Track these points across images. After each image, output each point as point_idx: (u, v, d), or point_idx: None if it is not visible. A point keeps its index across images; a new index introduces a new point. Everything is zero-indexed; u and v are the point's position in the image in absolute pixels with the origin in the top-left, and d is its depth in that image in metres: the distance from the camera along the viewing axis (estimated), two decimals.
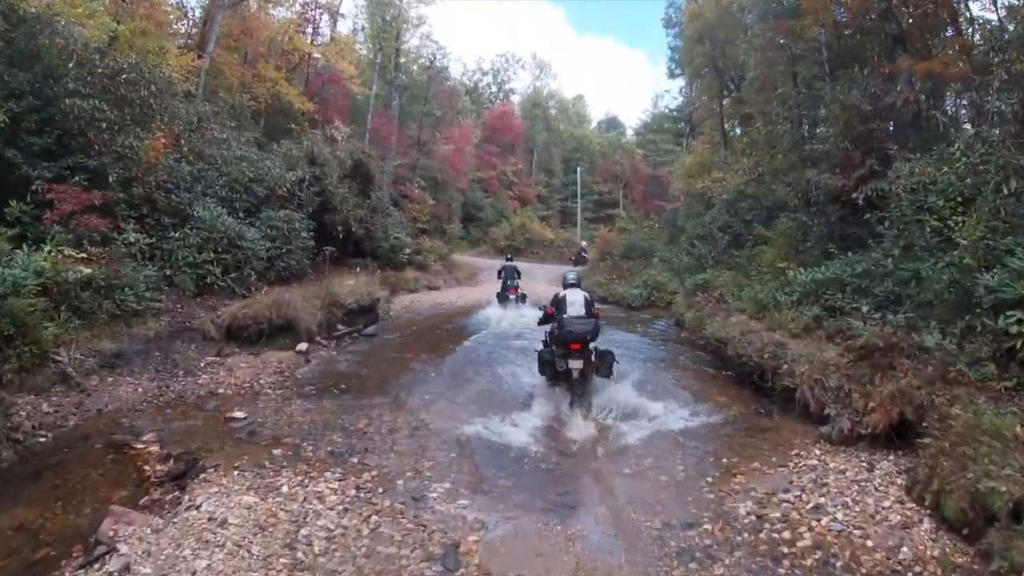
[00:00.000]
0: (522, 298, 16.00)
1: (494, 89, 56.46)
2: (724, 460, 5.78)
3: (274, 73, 21.51)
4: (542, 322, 7.98)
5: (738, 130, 23.83)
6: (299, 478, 4.96)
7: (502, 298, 16.08)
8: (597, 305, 7.66)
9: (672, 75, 41.65)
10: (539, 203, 49.09)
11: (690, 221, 21.14)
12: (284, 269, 13.40)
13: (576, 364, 6.72)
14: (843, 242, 10.57)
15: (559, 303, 7.27)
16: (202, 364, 8.10)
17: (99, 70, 10.87)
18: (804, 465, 5.51)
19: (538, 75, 56.98)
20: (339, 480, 4.99)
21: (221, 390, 7.35)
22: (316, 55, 24.62)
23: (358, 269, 19.17)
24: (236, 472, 5.01)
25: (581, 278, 8.15)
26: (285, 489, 4.73)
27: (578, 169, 51.20)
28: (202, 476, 4.94)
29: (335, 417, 6.62)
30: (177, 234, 11.18)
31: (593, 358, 6.89)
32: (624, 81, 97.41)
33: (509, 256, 19.82)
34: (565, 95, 60.75)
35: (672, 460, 5.78)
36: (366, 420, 6.55)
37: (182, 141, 13.86)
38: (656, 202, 47.39)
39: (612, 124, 67.16)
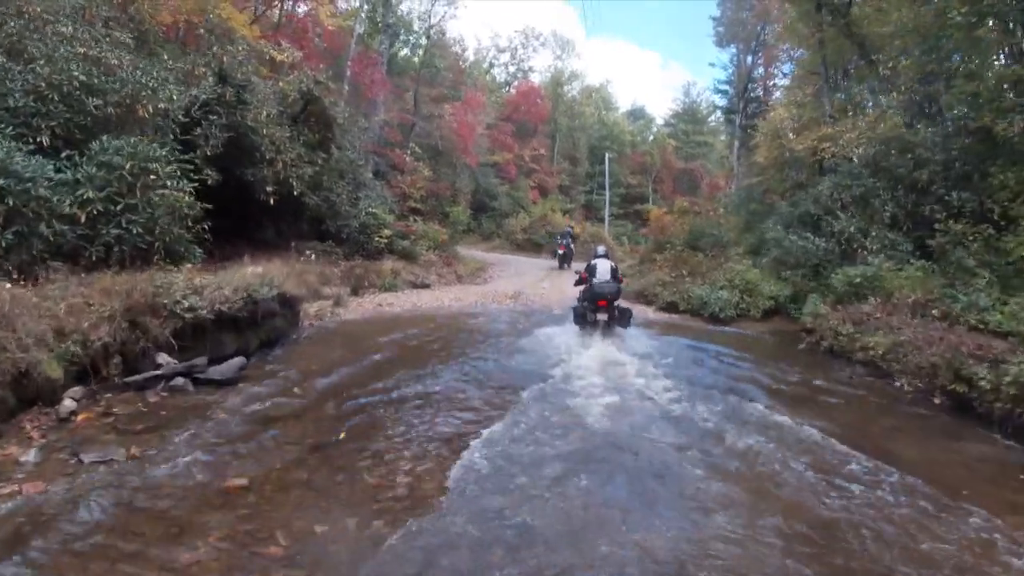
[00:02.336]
0: (568, 258, 17.42)
1: (512, 69, 50.13)
2: None
3: None
4: (578, 283, 9.45)
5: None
6: None
7: (554, 253, 18.30)
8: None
9: (721, 44, 35.44)
10: (560, 194, 42.68)
11: (790, 196, 14.68)
12: (124, 242, 7.25)
13: (602, 317, 8.53)
14: None
15: (591, 270, 8.89)
16: None
17: None
18: None
19: (560, 55, 50.54)
20: None
21: None
22: None
23: (312, 255, 13.18)
24: None
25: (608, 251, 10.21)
26: None
27: (607, 156, 44.71)
28: None
29: None
30: None
31: (616, 313, 8.56)
32: (638, 82, 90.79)
33: (570, 226, 23.28)
34: (591, 79, 54.19)
35: None
36: None
37: None
38: (688, 197, 41.15)
39: (638, 115, 60.55)
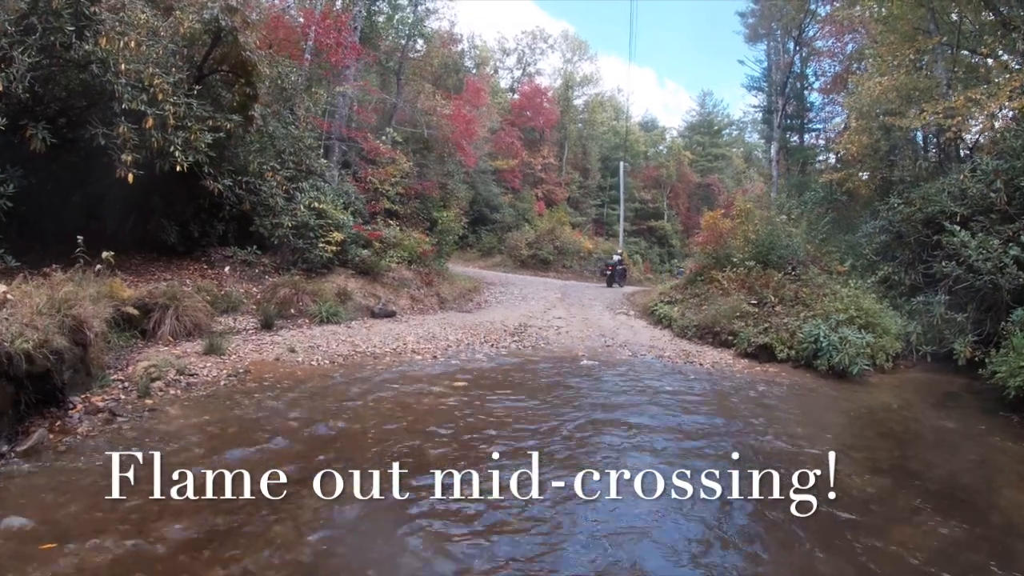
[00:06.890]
0: (618, 277, 20.95)
1: (518, 73, 46.12)
2: None
3: None
4: (603, 270, 21.95)
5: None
6: None
7: (601, 273, 22.69)
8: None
9: (754, 38, 31.38)
10: (570, 206, 38.49)
11: (903, 193, 10.34)
12: None
13: (610, 274, 20.54)
14: None
15: (605, 261, 22.33)
16: None
17: None
18: None
19: (570, 57, 46.47)
20: None
21: None
22: None
23: (228, 268, 9.09)
24: None
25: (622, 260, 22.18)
26: None
27: (621, 165, 40.49)
28: None
29: None
30: None
31: (620, 271, 21.06)
32: (639, 99, 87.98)
33: (619, 252, 24.31)
34: (603, 86, 49.93)
35: None
36: None
37: None
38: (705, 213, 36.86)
39: (650, 126, 56.48)
